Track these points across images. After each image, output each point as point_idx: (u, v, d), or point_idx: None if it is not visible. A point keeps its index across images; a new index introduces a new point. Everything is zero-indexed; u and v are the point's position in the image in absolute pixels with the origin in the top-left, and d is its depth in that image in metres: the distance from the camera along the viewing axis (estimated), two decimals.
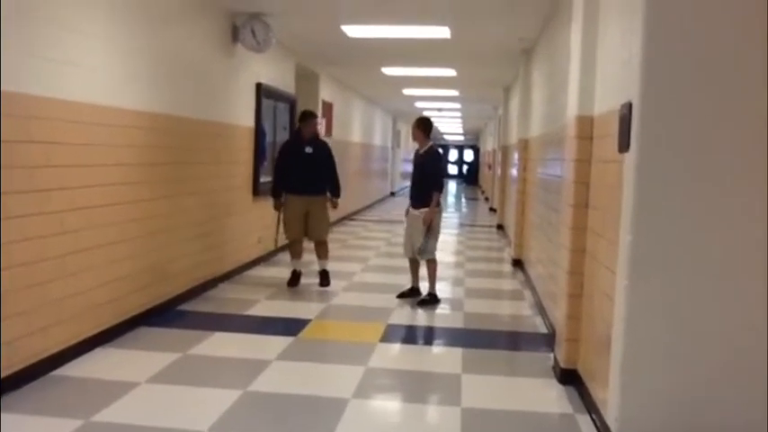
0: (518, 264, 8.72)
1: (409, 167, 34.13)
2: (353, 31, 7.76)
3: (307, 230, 6.90)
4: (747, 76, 2.96)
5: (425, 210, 6.28)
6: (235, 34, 7.10)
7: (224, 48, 6.94)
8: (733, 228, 3.02)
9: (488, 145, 23.44)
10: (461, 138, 38.10)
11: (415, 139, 6.68)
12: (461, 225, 15.05)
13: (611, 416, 3.23)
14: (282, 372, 4.41)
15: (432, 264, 6.44)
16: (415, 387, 4.33)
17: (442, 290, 6.78)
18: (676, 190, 3.04)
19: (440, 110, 20.01)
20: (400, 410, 4.00)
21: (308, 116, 7.00)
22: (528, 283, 7.53)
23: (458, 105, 18.33)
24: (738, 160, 2.99)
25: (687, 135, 3.01)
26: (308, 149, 6.83)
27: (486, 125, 24.49)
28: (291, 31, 7.99)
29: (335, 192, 7.03)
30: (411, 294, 6.55)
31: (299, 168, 6.80)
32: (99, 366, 4.32)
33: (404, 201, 19.53)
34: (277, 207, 6.93)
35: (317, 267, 7.07)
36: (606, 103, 3.77)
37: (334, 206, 7.09)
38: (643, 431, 3.12)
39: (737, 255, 3.02)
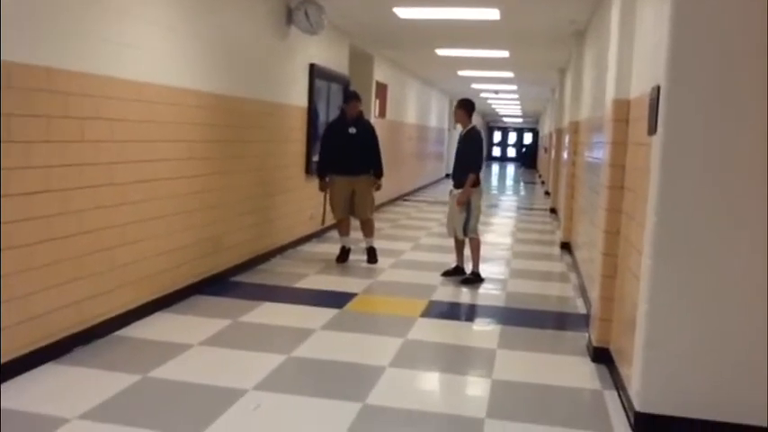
0: (566, 247, 8.76)
1: None
2: (405, 12, 7.89)
3: (352, 209, 7.10)
4: None
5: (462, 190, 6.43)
6: (289, 17, 7.33)
7: (278, 30, 7.19)
8: (756, 211, 3.08)
9: (546, 128, 23.18)
10: (520, 120, 37.70)
11: (457, 120, 6.78)
12: (516, 208, 15.07)
13: (633, 390, 3.36)
14: (325, 340, 4.66)
15: (474, 242, 6.58)
16: (450, 359, 4.53)
17: (488, 270, 6.93)
18: (701, 173, 3.12)
19: (496, 92, 19.91)
20: (432, 379, 4.20)
21: (351, 97, 7.19)
22: (574, 265, 7.59)
23: (514, 87, 18.20)
24: (762, 145, 3.04)
25: (712, 119, 3.09)
26: (352, 130, 6.99)
27: (545, 108, 24.21)
28: (344, 13, 8.18)
29: (378, 172, 7.17)
30: (455, 273, 6.72)
31: (344, 149, 6.97)
32: (157, 329, 4.66)
33: None
34: (323, 188, 7.14)
35: (364, 245, 7.30)
36: (640, 87, 3.84)
37: (378, 188, 7.26)
38: (663, 405, 3.24)
39: (760, 238, 3.08)
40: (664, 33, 3.16)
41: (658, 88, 3.23)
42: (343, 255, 7.25)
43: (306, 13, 7.27)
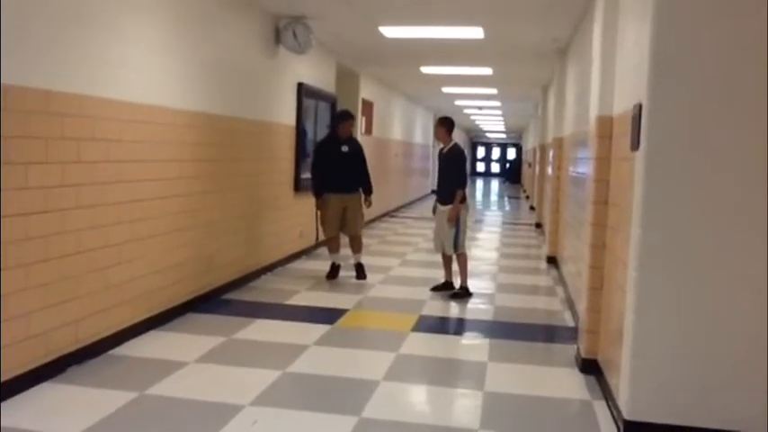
0: (552, 261, 8.89)
1: None
2: (390, 32, 8.04)
3: (343, 226, 7.22)
4: (751, 80, 3.15)
5: (451, 207, 6.53)
6: (277, 36, 7.45)
7: (267, 49, 7.30)
8: (738, 223, 3.21)
9: (530, 143, 23.45)
10: (504, 135, 38.06)
11: (437, 137, 6.91)
12: (501, 223, 15.21)
13: (622, 399, 3.46)
14: (319, 356, 4.73)
15: (462, 258, 6.68)
16: (442, 372, 4.61)
17: (476, 284, 7.02)
18: (683, 187, 3.25)
19: (480, 108, 20.14)
20: (426, 392, 4.27)
21: (347, 117, 7.31)
22: (560, 279, 7.71)
23: (498, 103, 18.44)
24: (742, 159, 3.18)
25: (693, 135, 3.22)
26: (345, 148, 7.16)
27: (528, 123, 24.50)
28: (331, 33, 8.32)
29: (368, 189, 7.34)
30: (444, 288, 6.81)
31: (337, 167, 7.11)
32: (152, 347, 4.70)
33: None
34: (320, 206, 7.24)
35: (352, 261, 7.39)
36: (623, 104, 3.97)
37: (369, 204, 7.41)
38: (651, 413, 3.34)
39: (742, 249, 3.21)
40: (645, 53, 3.30)
41: (640, 106, 3.36)
42: (334, 271, 7.33)
43: (294, 33, 7.39)
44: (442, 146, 6.85)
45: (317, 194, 7.20)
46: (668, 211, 3.26)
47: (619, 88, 4.20)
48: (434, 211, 6.91)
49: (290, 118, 8.08)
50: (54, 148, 3.90)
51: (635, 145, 3.47)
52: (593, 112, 4.57)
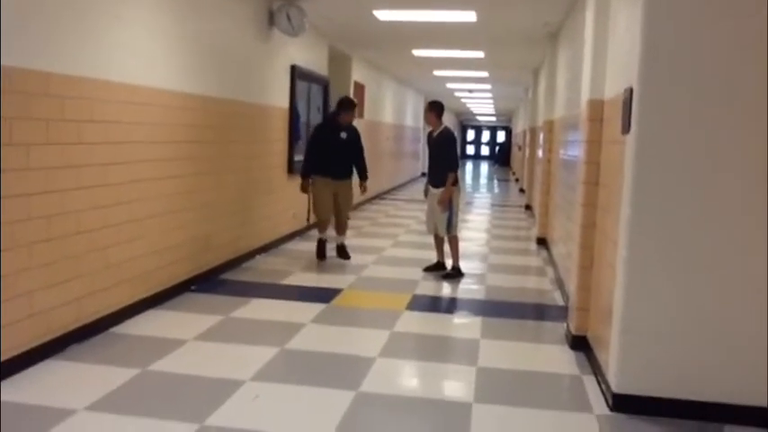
0: (542, 242, 9.03)
1: None
2: (384, 14, 8.08)
3: (336, 210, 7.30)
4: (742, 65, 3.25)
5: (443, 189, 6.63)
6: (271, 19, 7.48)
7: (261, 32, 7.33)
8: (726, 204, 3.33)
9: (519, 126, 23.55)
10: (494, 119, 38.15)
11: (428, 121, 6.96)
12: (491, 205, 15.35)
13: (611, 373, 3.59)
14: (316, 333, 4.83)
15: (454, 240, 6.80)
16: (436, 349, 4.73)
17: (467, 265, 7.14)
18: (672, 168, 3.36)
19: (471, 91, 20.20)
20: (421, 368, 4.39)
21: (352, 105, 7.31)
22: (550, 260, 7.84)
23: (488, 86, 18.50)
24: (731, 141, 3.29)
25: (682, 118, 3.33)
26: (343, 135, 7.17)
27: (518, 107, 24.59)
28: (324, 16, 8.35)
29: (364, 175, 7.40)
30: (436, 268, 6.93)
31: (334, 153, 7.13)
32: (152, 325, 4.79)
33: None
34: (305, 189, 7.24)
35: (335, 242, 7.48)
36: (614, 88, 4.07)
37: (364, 190, 7.46)
38: (639, 386, 3.48)
39: (730, 230, 3.33)
40: (636, 38, 3.39)
41: (631, 90, 3.46)
42: (321, 247, 7.40)
43: (288, 16, 7.43)
44: (431, 129, 6.93)
45: (305, 176, 7.20)
46: (657, 191, 3.37)
47: (610, 72, 4.30)
48: (426, 193, 7.01)
49: (283, 100, 8.13)
50: (55, 129, 3.95)
51: (626, 128, 3.57)
52: (585, 95, 4.67)
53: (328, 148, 7.13)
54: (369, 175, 7.53)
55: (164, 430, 3.21)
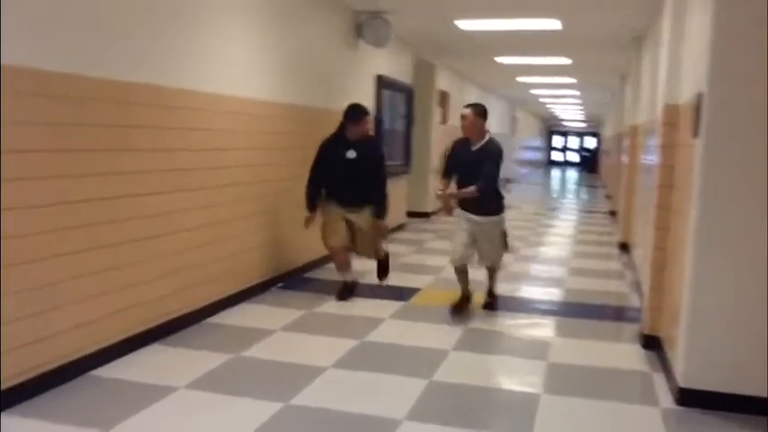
0: (624, 247, 8.97)
1: (528, 155, 34.25)
2: (466, 24, 8.29)
3: (354, 244, 5.81)
4: None
5: (493, 218, 5.36)
6: (358, 31, 7.85)
7: (348, 43, 7.71)
8: None
9: (608, 132, 23.09)
10: (583, 124, 37.43)
11: (470, 131, 5.32)
12: (577, 211, 15.22)
13: (677, 369, 3.68)
14: (394, 327, 5.10)
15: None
16: (507, 345, 4.91)
17: (547, 269, 7.25)
18: (737, 170, 3.43)
19: (557, 96, 20.04)
20: (491, 361, 4.58)
21: (359, 113, 5.63)
22: (630, 264, 7.81)
23: (576, 92, 18.32)
24: None
25: (749, 122, 3.39)
26: (351, 154, 5.55)
27: (607, 112, 24.11)
28: (409, 27, 8.65)
29: (379, 209, 5.66)
30: (464, 304, 5.61)
31: (338, 176, 5.60)
32: (244, 317, 5.21)
33: (520, 188, 19.51)
34: (307, 223, 5.70)
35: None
36: (687, 93, 4.14)
37: (378, 229, 5.77)
38: (704, 381, 3.57)
39: None
40: (705, 43, 3.49)
41: (701, 95, 3.55)
42: (346, 289, 5.84)
43: (373, 28, 7.78)
44: (464, 138, 5.41)
45: (310, 206, 5.67)
46: (723, 192, 3.45)
47: (685, 77, 4.36)
48: (449, 211, 5.56)
49: (369, 109, 8.45)
50: (161, 136, 4.41)
51: (695, 132, 3.66)
52: (661, 100, 4.73)
53: (331, 170, 5.61)
54: (387, 206, 5.72)
55: (252, 407, 3.55)
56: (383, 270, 6.25)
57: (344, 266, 5.90)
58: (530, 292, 6.59)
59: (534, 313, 5.86)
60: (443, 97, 12.88)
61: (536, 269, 7.70)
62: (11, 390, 3.37)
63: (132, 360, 4.15)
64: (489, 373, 4.38)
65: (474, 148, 5.32)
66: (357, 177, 5.59)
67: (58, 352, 3.68)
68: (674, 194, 4.48)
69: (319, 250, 7.05)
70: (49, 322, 3.60)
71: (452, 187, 5.42)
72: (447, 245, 8.64)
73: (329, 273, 6.93)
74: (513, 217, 12.25)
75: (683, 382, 3.59)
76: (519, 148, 26.11)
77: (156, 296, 4.48)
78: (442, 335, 4.95)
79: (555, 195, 19.65)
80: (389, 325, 5.14)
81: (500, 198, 5.46)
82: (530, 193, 19.79)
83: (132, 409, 3.43)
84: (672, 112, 4.54)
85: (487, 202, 5.28)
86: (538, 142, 36.54)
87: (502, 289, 6.48)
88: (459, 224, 5.48)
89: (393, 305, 5.69)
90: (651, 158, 6.21)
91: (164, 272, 4.53)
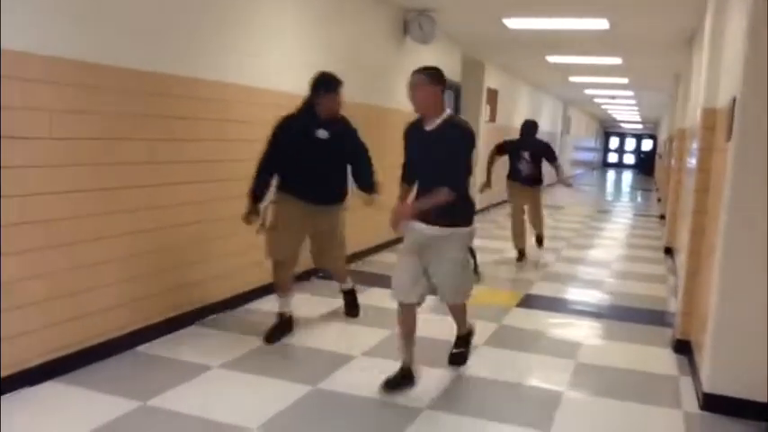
0: (669, 251, 8.85)
1: (581, 155, 33.66)
2: (514, 23, 8.31)
3: (316, 253, 4.83)
4: None
5: (454, 230, 3.76)
6: (405, 28, 7.97)
7: (395, 40, 7.83)
8: None
9: (663, 135, 22.61)
10: (640, 126, 36.67)
11: (420, 104, 3.76)
12: (628, 215, 15.02)
13: (703, 374, 3.68)
14: (428, 322, 5.13)
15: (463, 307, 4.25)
16: (538, 343, 4.94)
17: (588, 271, 7.23)
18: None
19: (613, 97, 19.74)
20: (519, 358, 4.62)
21: (333, 85, 4.44)
22: (673, 269, 7.72)
23: (631, 93, 18.01)
24: None
25: None
26: (322, 134, 4.40)
27: (663, 114, 23.60)
28: (456, 25, 8.71)
29: (372, 186, 4.77)
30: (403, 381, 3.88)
31: (304, 163, 4.40)
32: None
33: (570, 190, 19.22)
34: (247, 218, 4.36)
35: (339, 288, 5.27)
36: (725, 97, 4.11)
37: (369, 203, 4.83)
38: (729, 388, 3.56)
39: None
40: (740, 47, 3.48)
41: (734, 99, 3.54)
42: (280, 327, 4.58)
43: (419, 25, 7.90)
44: (416, 119, 3.90)
45: (253, 197, 4.37)
46: (753, 197, 3.43)
47: (723, 81, 4.33)
48: (396, 225, 4.00)
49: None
50: (198, 127, 4.61)
51: (728, 136, 3.65)
52: (700, 103, 4.70)
53: (296, 154, 4.38)
54: (380, 182, 4.80)
55: (281, 387, 3.74)
56: (352, 303, 5.19)
57: (288, 289, 4.67)
58: (568, 292, 6.59)
59: (570, 314, 5.87)
60: (492, 95, 12.87)
61: (578, 270, 7.68)
62: (56, 360, 3.64)
63: (172, 339, 4.38)
64: (516, 369, 4.42)
65: (429, 128, 3.75)
66: (329, 164, 4.47)
67: (105, 327, 3.95)
68: (709, 199, 4.46)
69: (358, 244, 7.24)
70: (93, 300, 3.87)
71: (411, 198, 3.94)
72: (488, 244, 8.68)
73: (368, 266, 7.08)
74: (556, 216, 12.23)
75: (707, 386, 3.59)
76: (572, 147, 25.78)
77: (193, 281, 4.70)
78: (476, 330, 5.02)
79: (608, 198, 19.35)
80: (423, 319, 5.06)
81: (468, 203, 3.83)
82: (582, 194, 19.52)
83: (169, 384, 3.66)
84: (710, 115, 4.51)
85: (448, 205, 3.65)
86: (592, 143, 35.96)
87: (540, 289, 6.53)
88: (405, 240, 4.01)
89: (430, 299, 5.74)
90: (692, 162, 6.15)
91: (202, 257, 4.74)
